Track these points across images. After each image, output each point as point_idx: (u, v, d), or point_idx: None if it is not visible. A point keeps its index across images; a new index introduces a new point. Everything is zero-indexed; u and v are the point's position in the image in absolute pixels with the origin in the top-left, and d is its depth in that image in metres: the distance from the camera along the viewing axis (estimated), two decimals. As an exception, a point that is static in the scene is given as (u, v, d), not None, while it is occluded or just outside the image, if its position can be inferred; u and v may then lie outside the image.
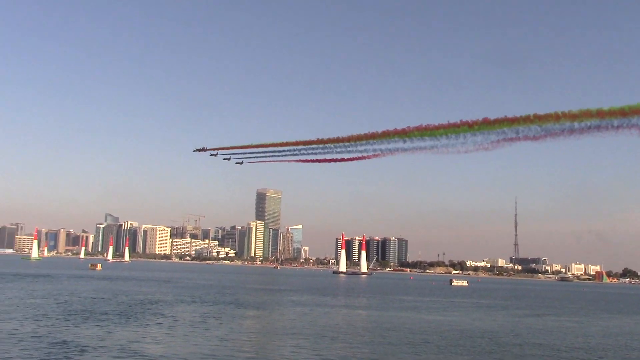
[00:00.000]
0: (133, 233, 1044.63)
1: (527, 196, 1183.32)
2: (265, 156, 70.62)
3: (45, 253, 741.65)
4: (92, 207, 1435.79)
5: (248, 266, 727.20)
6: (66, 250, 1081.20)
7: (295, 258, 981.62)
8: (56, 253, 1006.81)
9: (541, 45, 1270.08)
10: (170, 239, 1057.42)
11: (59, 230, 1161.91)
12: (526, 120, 37.40)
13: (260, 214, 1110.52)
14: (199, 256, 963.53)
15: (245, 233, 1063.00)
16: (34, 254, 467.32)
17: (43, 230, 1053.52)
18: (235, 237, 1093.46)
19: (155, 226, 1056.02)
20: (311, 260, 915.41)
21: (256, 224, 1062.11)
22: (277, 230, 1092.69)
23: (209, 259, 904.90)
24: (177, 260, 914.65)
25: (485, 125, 39.73)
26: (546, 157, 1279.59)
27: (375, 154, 51.83)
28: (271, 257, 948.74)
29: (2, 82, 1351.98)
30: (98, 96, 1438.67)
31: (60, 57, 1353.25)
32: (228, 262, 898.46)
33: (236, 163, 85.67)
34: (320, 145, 55.39)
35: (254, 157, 77.88)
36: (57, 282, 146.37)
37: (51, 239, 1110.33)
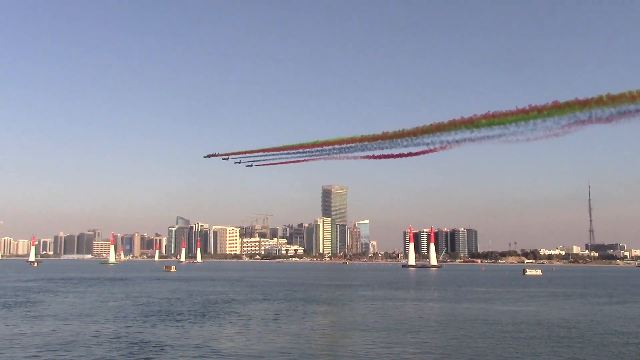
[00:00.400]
0: (204, 234, 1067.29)
1: (600, 181, 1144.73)
2: (308, 155, 70.68)
3: (122, 257, 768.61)
4: (164, 211, 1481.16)
5: (317, 263, 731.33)
6: (141, 254, 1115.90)
7: (363, 253, 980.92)
8: (132, 257, 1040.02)
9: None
10: (240, 239, 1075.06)
11: (134, 234, 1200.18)
12: (598, 101, 35.67)
13: (326, 211, 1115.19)
14: (269, 254, 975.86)
15: (312, 230, 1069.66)
16: (111, 258, 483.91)
17: (119, 235, 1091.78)
18: (303, 235, 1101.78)
19: (224, 227, 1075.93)
20: (379, 255, 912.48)
21: (323, 221, 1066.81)
22: (344, 225, 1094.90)
23: (279, 257, 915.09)
24: (247, 259, 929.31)
25: (556, 109, 38.14)
26: (620, 139, 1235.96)
27: (442, 146, 50.35)
28: (339, 252, 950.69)
29: (79, 97, 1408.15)
30: (167, 104, 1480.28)
31: (127, 67, 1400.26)
32: (297, 259, 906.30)
33: (247, 166, 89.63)
34: (386, 141, 54.28)
35: (277, 159, 78.13)
36: (134, 285, 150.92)
37: (126, 243, 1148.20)
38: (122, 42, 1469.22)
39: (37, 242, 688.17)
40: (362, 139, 55.06)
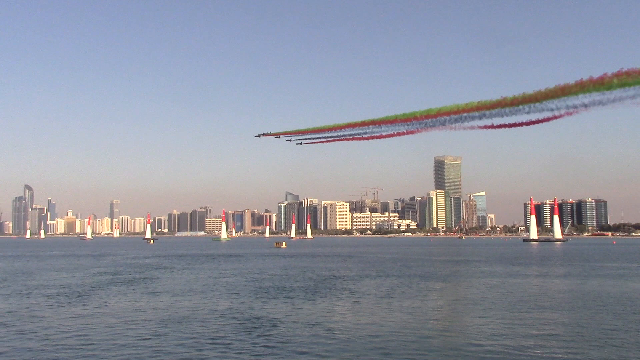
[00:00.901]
0: (313, 210, 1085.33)
1: None
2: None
3: (233, 234, 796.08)
4: (273, 187, 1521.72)
5: (431, 237, 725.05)
6: (252, 230, 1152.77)
7: (480, 227, 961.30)
8: (243, 233, 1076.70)
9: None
10: (350, 214, 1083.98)
11: (244, 211, 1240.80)
12: None
13: (439, 183, 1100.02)
14: (380, 230, 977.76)
15: (425, 203, 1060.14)
16: (223, 235, 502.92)
17: (230, 212, 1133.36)
18: (416, 208, 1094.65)
19: (334, 202, 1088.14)
20: (498, 229, 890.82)
21: (436, 193, 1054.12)
22: (459, 198, 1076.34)
23: (390, 232, 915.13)
24: (358, 235, 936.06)
25: None
26: None
27: (568, 112, 47.22)
28: (455, 227, 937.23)
29: (183, 79, 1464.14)
30: (272, 83, 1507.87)
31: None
32: (410, 234, 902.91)
33: (297, 143, 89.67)
34: (506, 108, 51.49)
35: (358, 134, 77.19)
36: (246, 262, 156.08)
37: (237, 220, 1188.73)
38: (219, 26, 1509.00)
39: (152, 220, 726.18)
40: (480, 107, 52.36)
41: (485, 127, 54.78)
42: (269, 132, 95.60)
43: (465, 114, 52.60)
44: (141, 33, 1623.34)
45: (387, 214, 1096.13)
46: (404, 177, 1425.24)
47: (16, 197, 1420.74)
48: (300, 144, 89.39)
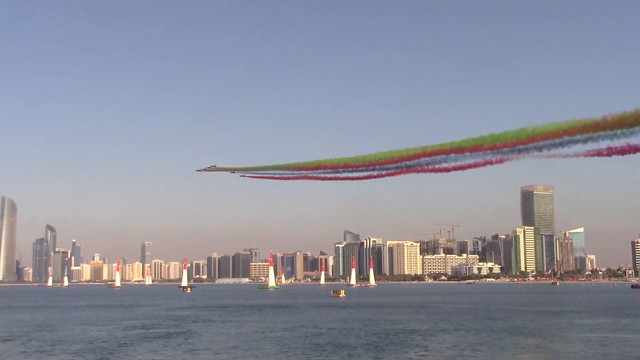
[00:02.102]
0: (377, 251, 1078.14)
1: None
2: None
3: (283, 280, 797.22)
4: (329, 225, 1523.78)
5: (518, 283, 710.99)
6: (304, 276, 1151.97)
7: (578, 270, 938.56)
8: (294, 280, 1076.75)
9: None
10: (421, 256, 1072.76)
11: (295, 253, 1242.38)
12: None
13: (528, 218, 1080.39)
14: (457, 274, 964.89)
15: (511, 243, 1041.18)
16: (271, 282, 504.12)
17: (278, 254, 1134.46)
18: (499, 249, 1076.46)
19: (401, 242, 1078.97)
20: (600, 272, 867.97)
21: (524, 230, 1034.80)
22: (552, 236, 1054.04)
23: (469, 277, 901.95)
24: (430, 280, 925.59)
25: None
26: None
27: None
28: (547, 270, 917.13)
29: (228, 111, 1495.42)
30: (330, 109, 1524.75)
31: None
32: (493, 279, 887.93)
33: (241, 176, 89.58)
34: (612, 131, 48.14)
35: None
36: (298, 313, 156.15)
37: (287, 264, 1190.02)
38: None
39: (189, 265, 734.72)
40: (587, 127, 49.07)
41: (593, 154, 50.95)
42: (213, 167, 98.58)
43: (567, 138, 49.71)
44: (149, 65, 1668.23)
45: (464, 255, 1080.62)
46: (485, 212, 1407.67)
47: (37, 240, 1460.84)
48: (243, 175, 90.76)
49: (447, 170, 62.92)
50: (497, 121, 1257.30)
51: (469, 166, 60.63)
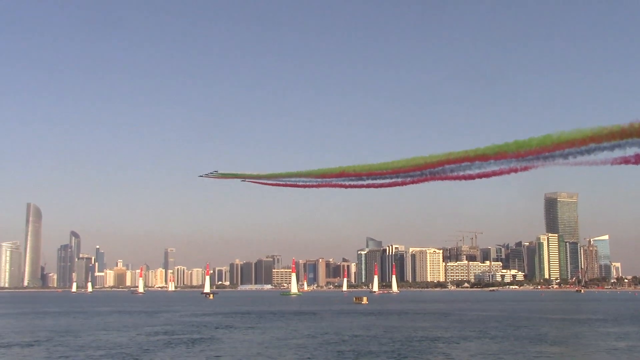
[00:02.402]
0: (399, 258, 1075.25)
1: None
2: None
3: (305, 287, 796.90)
4: (352, 232, 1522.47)
5: (542, 291, 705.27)
6: (327, 283, 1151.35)
7: (603, 278, 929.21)
8: (316, 286, 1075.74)
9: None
10: (444, 263, 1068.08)
11: (318, 260, 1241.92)
12: None
13: (552, 225, 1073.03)
14: (480, 282, 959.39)
15: (534, 250, 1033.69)
16: (293, 288, 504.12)
17: (300, 261, 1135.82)
18: (523, 256, 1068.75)
19: (424, 249, 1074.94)
20: (625, 280, 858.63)
21: (548, 238, 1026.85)
22: (576, 244, 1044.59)
23: (492, 285, 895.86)
24: (453, 287, 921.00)
25: None
26: None
27: None
28: (571, 278, 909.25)
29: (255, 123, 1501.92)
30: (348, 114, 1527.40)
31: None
32: (516, 287, 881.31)
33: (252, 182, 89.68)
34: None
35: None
36: (320, 320, 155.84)
37: (310, 270, 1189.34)
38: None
39: (211, 271, 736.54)
40: (612, 135, 47.58)
41: (622, 161, 49.69)
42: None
43: (593, 145, 48.45)
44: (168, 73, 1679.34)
45: (487, 262, 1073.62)
46: (508, 219, 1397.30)
47: (61, 246, 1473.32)
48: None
49: (471, 177, 61.79)
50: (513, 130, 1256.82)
51: (494, 173, 59.61)
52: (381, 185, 71.60)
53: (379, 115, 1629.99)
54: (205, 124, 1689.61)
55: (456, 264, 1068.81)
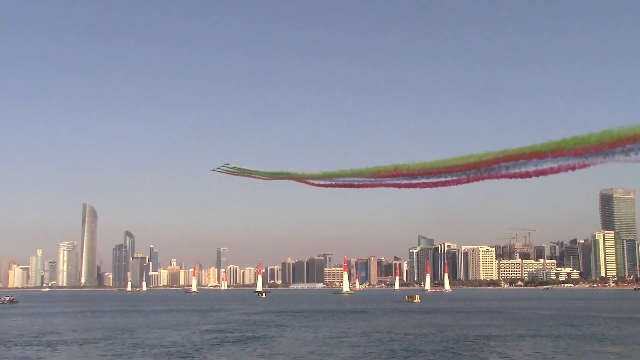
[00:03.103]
0: (452, 257, 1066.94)
1: None
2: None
3: (357, 286, 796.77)
4: (403, 230, 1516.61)
5: (598, 289, 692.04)
6: (379, 281, 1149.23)
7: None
8: (368, 285, 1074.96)
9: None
10: (497, 261, 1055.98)
11: (369, 258, 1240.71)
12: None
13: (608, 222, 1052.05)
14: (534, 280, 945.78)
15: (590, 247, 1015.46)
16: (345, 287, 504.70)
17: (352, 260, 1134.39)
18: (578, 254, 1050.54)
19: (476, 247, 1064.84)
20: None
21: (604, 235, 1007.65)
22: (633, 241, 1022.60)
23: (547, 283, 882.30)
24: (506, 286, 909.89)
25: None
26: None
27: None
28: (628, 276, 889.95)
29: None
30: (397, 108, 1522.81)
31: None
32: (571, 285, 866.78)
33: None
34: None
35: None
36: (372, 319, 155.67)
37: (362, 269, 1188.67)
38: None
39: (263, 270, 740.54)
40: None
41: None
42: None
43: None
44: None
45: (541, 260, 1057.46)
46: (563, 216, 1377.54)
47: (116, 246, 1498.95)
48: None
49: (528, 175, 59.86)
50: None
51: (552, 171, 57.78)
52: (436, 185, 69.84)
53: (430, 111, 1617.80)
54: (259, 124, 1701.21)
55: (509, 261, 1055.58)
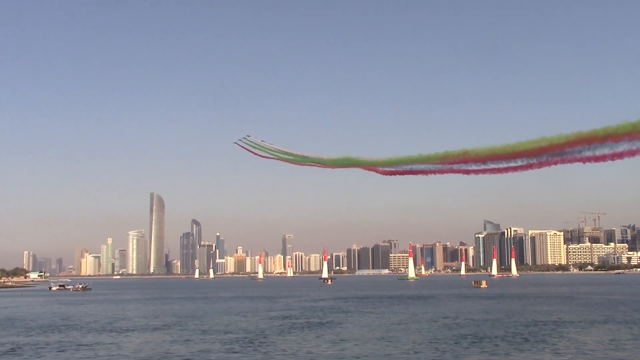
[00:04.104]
0: (518, 241, 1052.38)
1: None
2: None
3: (423, 271, 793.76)
4: (469, 214, 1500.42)
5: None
6: (444, 267, 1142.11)
7: None
8: (434, 270, 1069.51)
9: None
10: (565, 245, 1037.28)
11: (435, 244, 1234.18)
12: None
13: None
14: (604, 264, 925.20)
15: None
16: (410, 273, 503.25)
17: (417, 245, 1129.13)
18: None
19: (544, 231, 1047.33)
20: None
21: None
22: None
23: (618, 267, 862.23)
24: (575, 270, 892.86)
25: None
26: None
27: None
28: None
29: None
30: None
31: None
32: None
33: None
34: None
35: None
36: (438, 304, 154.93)
37: (427, 255, 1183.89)
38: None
39: (329, 257, 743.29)
40: None
41: None
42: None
43: None
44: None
45: (612, 244, 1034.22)
46: (634, 198, 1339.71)
47: (184, 234, 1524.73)
48: None
49: (603, 159, 57.17)
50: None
51: (630, 153, 55.24)
52: (507, 170, 66.97)
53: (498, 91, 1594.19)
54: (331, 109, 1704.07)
55: (578, 246, 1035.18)
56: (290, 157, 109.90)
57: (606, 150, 55.04)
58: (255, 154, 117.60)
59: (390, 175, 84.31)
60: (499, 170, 67.18)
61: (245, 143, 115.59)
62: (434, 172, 75.31)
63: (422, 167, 75.73)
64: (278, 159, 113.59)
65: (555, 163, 61.31)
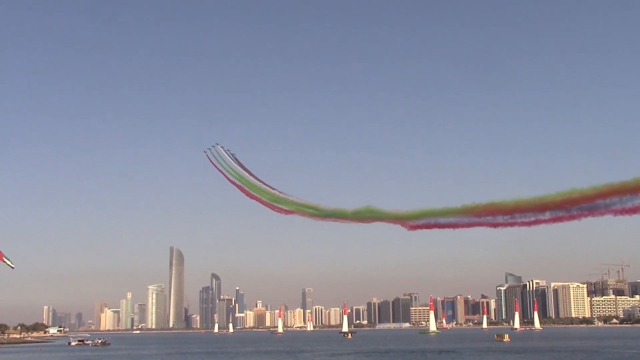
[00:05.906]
0: (541, 294, 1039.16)
1: None
2: None
3: (444, 324, 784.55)
4: (490, 267, 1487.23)
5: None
6: (466, 320, 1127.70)
7: None
8: (455, 324, 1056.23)
9: None
10: (588, 298, 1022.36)
11: (456, 297, 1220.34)
12: None
13: None
14: (630, 317, 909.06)
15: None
16: (432, 326, 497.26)
17: (438, 299, 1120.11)
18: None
19: (567, 283, 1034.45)
20: None
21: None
22: None
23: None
24: (600, 324, 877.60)
25: None
26: None
27: None
28: None
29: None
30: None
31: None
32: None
33: None
34: None
35: None
36: (463, 358, 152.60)
37: (448, 308, 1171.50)
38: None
39: (349, 311, 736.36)
40: None
41: None
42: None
43: None
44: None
45: (637, 297, 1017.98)
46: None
47: (203, 288, 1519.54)
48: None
49: (635, 211, 54.70)
50: None
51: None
52: (536, 223, 64.25)
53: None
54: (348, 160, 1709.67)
55: (602, 298, 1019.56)
56: (310, 211, 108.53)
57: (638, 202, 53.02)
58: (226, 177, 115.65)
59: (417, 229, 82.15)
60: (528, 224, 64.89)
61: (213, 156, 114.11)
62: (461, 225, 73.15)
63: (449, 220, 73.93)
64: (301, 214, 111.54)
65: (586, 216, 59.08)
